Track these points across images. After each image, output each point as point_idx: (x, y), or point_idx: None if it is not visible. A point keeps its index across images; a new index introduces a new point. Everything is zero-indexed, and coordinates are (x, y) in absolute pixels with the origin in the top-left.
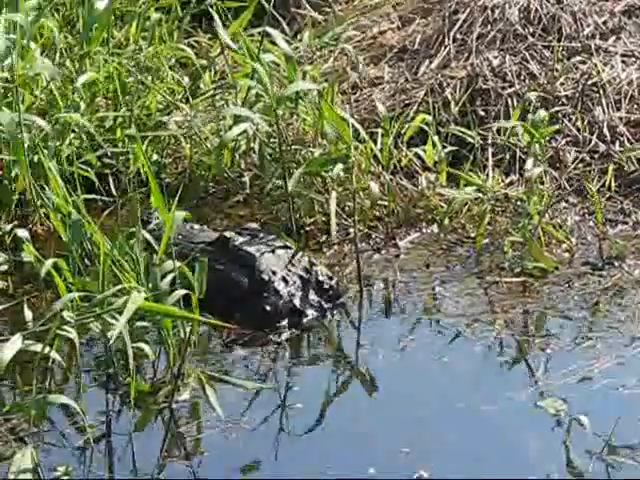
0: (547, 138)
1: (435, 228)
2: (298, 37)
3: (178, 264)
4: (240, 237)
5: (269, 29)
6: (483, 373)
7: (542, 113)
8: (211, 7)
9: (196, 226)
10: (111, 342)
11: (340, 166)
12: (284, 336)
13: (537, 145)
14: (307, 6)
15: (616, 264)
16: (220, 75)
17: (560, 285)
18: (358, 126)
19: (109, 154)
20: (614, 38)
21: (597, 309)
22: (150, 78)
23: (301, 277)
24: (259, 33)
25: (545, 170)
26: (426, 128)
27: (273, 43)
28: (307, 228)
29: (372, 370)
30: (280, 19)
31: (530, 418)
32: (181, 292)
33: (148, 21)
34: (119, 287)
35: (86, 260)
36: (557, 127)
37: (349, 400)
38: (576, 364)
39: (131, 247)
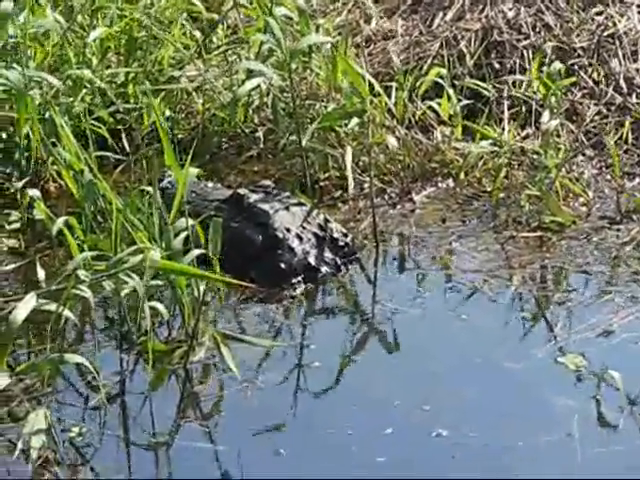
0: (563, 91)
1: (451, 182)
2: None
3: (192, 222)
4: (254, 194)
5: None
6: (501, 329)
7: (558, 65)
8: None
9: (210, 184)
10: (124, 301)
11: (355, 120)
12: (299, 293)
13: (553, 98)
14: None
15: (634, 217)
16: (232, 29)
17: (578, 239)
18: (372, 80)
19: (121, 110)
20: None
21: (615, 263)
22: (162, 32)
23: (316, 234)
24: None
25: (561, 123)
26: (441, 81)
27: None
28: (321, 183)
29: (389, 327)
30: None
31: (551, 374)
32: (196, 252)
33: None
34: (134, 248)
35: (99, 217)
36: (573, 79)
37: (367, 358)
38: (595, 318)
39: (144, 205)
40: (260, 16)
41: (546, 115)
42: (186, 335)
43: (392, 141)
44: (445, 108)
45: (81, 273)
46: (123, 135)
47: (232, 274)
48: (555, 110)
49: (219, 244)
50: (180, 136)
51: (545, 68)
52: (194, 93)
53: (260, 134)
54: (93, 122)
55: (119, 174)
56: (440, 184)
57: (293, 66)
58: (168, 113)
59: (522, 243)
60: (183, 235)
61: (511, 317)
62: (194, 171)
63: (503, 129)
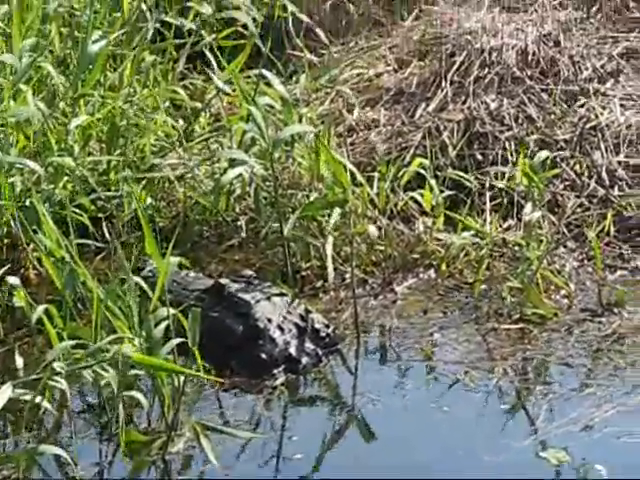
0: (545, 182)
1: (432, 273)
2: (294, 79)
3: (172, 311)
4: (235, 284)
5: (265, 72)
6: (483, 421)
7: (542, 155)
8: (206, 48)
9: (191, 273)
10: (103, 391)
11: (338, 211)
12: (280, 383)
13: (536, 190)
14: (303, 47)
15: (615, 310)
16: (215, 117)
17: (559, 332)
18: (354, 170)
19: (103, 198)
20: (612, 81)
21: (597, 356)
22: (144, 121)
23: (297, 325)
24: (255, 75)
25: (543, 215)
26: (423, 172)
27: (268, 85)
28: (303, 273)
29: (371, 418)
30: (275, 60)
31: (532, 468)
32: (175, 341)
33: (142, 63)
34: (112, 337)
35: (79, 305)
36: (556, 171)
37: (347, 449)
38: (577, 412)
39: (124, 293)
40: (243, 104)
41: (528, 207)
42: (166, 426)
43: (373, 230)
44: (428, 199)
45: (57, 365)
46: (104, 223)
47: (213, 364)
48: (537, 202)
49: (198, 334)
50: (161, 224)
51: (527, 160)
52: (176, 181)
53: (242, 223)
54: (74, 209)
55: (100, 262)
56: (422, 275)
57: (276, 155)
58: (149, 201)
59: (504, 335)
60: (163, 325)
61: (492, 409)
62: (175, 260)
63: (485, 220)
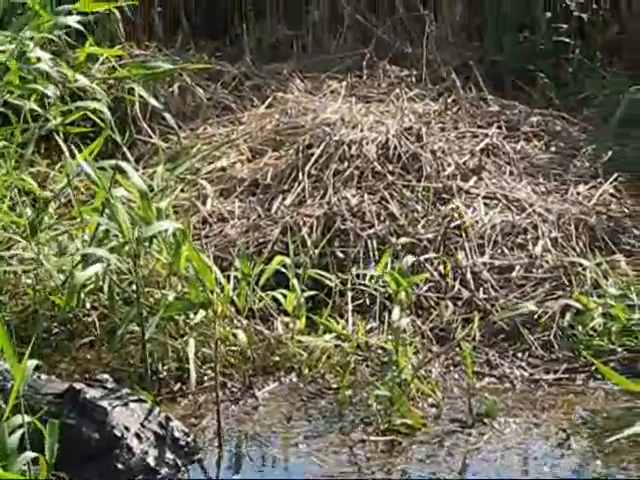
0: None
1: (294, 377)
2: (141, 164)
3: (28, 419)
4: (91, 389)
5: (121, 163)
6: None
7: (409, 259)
8: (57, 134)
9: (43, 376)
10: None
11: (202, 312)
12: None
13: (403, 293)
14: (150, 132)
15: (486, 421)
16: (64, 206)
17: (430, 444)
18: (216, 269)
19: None
20: (475, 179)
21: (468, 471)
22: None
23: (156, 433)
24: (111, 166)
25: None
26: (285, 271)
27: (120, 171)
28: (160, 375)
29: None
30: (121, 144)
31: None
32: (29, 455)
33: None
34: None
35: None
36: (424, 276)
37: None
38: None
39: None
40: (98, 196)
41: (396, 312)
42: None
43: (242, 337)
44: (290, 301)
45: None
46: None
47: (69, 474)
48: (405, 306)
49: (55, 449)
50: (7, 318)
51: (392, 262)
52: (23, 275)
53: (94, 319)
54: None
55: None
56: (283, 379)
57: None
58: None
59: (372, 446)
60: (19, 434)
61: None
62: (32, 364)
63: (347, 321)
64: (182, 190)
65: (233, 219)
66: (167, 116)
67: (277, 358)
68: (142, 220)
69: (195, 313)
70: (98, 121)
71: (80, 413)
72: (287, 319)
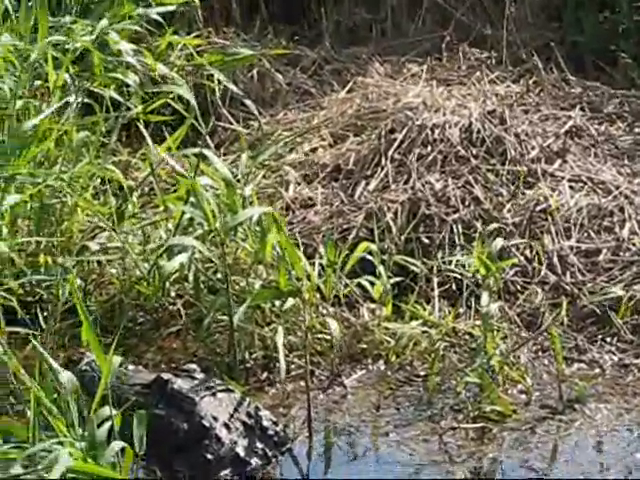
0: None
1: (382, 365)
2: (221, 150)
3: (115, 412)
4: (179, 379)
5: (205, 151)
6: None
7: (498, 244)
8: (139, 122)
9: (130, 367)
10: None
11: (291, 301)
12: None
13: (492, 279)
14: (231, 119)
15: (576, 407)
16: (147, 195)
17: (520, 431)
18: (301, 256)
19: (34, 282)
20: (560, 162)
21: (561, 459)
22: (75, 199)
23: (244, 423)
24: (195, 155)
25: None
26: (371, 258)
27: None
28: (247, 364)
29: None
30: (202, 131)
31: None
32: (118, 445)
33: (73, 138)
34: (52, 442)
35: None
36: (513, 261)
37: None
38: None
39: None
40: (182, 184)
41: (485, 297)
42: None
43: (334, 325)
44: (378, 288)
45: None
46: (34, 308)
47: (157, 465)
48: (494, 292)
49: (144, 439)
50: (92, 308)
51: (476, 244)
52: (107, 264)
53: (179, 308)
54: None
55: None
56: (371, 367)
57: (227, 243)
58: (79, 282)
59: (463, 434)
60: (107, 426)
61: None
62: (118, 359)
63: (433, 307)
64: (264, 176)
65: (316, 205)
66: (247, 102)
67: (364, 345)
68: (227, 208)
69: (284, 301)
70: (179, 109)
71: (168, 404)
72: (373, 306)
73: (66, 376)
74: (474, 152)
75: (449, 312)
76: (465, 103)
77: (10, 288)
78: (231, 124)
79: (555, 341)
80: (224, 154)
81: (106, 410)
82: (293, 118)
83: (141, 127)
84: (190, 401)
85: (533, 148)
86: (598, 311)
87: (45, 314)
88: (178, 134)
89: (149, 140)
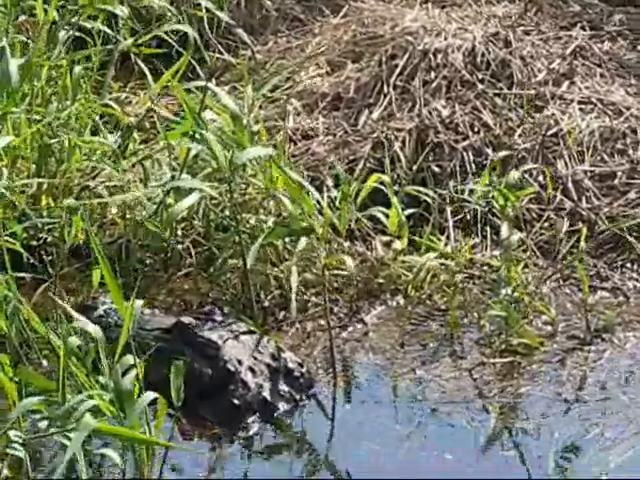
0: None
1: (401, 300)
2: (212, 82)
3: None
4: (198, 322)
5: (211, 85)
6: (484, 471)
7: (515, 174)
8: (134, 55)
9: (146, 310)
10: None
11: (304, 240)
12: (255, 431)
13: (510, 209)
14: (219, 48)
15: (604, 337)
16: (150, 131)
17: (551, 363)
18: (313, 190)
19: (39, 226)
20: (568, 83)
21: (596, 392)
22: (73, 139)
23: (269, 365)
24: (197, 88)
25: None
26: (384, 189)
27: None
28: (264, 304)
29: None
30: (194, 63)
31: None
32: (149, 396)
33: (61, 73)
34: (81, 397)
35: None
36: (532, 189)
37: None
38: (587, 457)
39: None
40: (186, 120)
41: (505, 228)
42: None
43: (350, 263)
44: (393, 220)
45: (13, 434)
46: (39, 252)
47: (182, 411)
48: (512, 222)
49: (182, 390)
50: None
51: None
52: (110, 204)
53: (188, 246)
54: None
55: (39, 296)
56: (389, 302)
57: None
58: (81, 225)
59: (491, 369)
60: (133, 374)
61: (494, 455)
62: (139, 303)
63: (448, 238)
64: (260, 107)
65: (319, 136)
66: (239, 31)
67: (381, 280)
68: (235, 144)
69: (297, 239)
70: (172, 42)
71: (190, 348)
72: (385, 239)
73: (93, 328)
74: (480, 76)
75: (464, 243)
76: (466, 26)
77: (14, 232)
78: (221, 54)
79: (580, 270)
80: (216, 85)
81: (129, 358)
82: (285, 46)
83: (139, 60)
84: (214, 345)
85: (540, 70)
86: (616, 237)
87: (50, 258)
88: (178, 65)
89: (147, 73)
